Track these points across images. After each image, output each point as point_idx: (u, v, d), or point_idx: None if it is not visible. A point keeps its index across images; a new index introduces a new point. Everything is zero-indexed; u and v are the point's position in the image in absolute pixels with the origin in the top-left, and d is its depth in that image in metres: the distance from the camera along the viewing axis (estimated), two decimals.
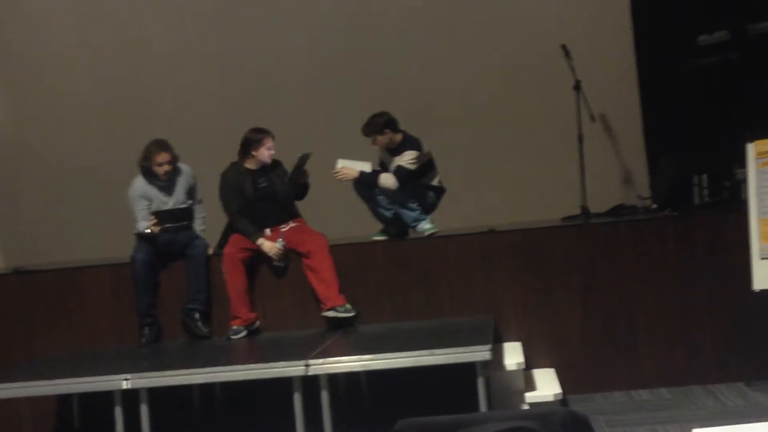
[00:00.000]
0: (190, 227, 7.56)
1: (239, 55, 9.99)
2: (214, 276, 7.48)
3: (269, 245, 7.38)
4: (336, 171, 7.64)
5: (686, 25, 9.27)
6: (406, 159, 7.59)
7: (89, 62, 10.18)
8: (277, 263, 7.45)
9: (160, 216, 7.38)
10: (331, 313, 7.28)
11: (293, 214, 7.62)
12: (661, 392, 7.09)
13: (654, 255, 7.33)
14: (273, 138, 7.54)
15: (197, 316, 7.40)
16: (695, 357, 7.23)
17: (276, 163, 7.60)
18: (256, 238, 7.39)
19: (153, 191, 7.46)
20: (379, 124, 7.68)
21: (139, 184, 7.49)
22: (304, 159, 7.44)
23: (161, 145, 7.44)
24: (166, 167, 7.42)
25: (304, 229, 7.52)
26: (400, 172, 7.57)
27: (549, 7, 9.73)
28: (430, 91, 9.72)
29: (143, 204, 7.42)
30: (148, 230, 7.33)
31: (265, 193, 7.50)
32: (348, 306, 7.27)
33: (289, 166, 7.59)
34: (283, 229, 7.49)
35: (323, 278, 7.31)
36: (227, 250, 7.37)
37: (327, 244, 7.36)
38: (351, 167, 7.64)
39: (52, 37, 10.27)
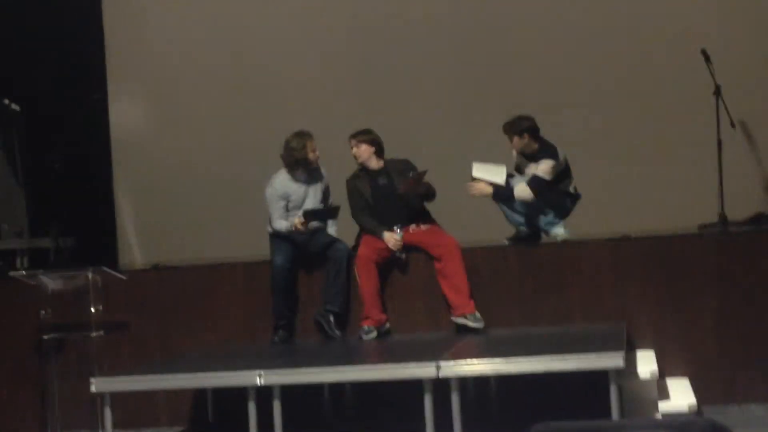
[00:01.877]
0: (324, 228, 7.65)
1: (369, 55, 10.09)
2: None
3: (388, 235, 7.42)
4: (470, 185, 7.61)
5: None
6: (543, 169, 7.52)
7: (223, 64, 10.41)
8: (398, 255, 7.46)
9: (309, 214, 7.46)
10: (460, 320, 7.28)
11: (423, 215, 7.61)
12: None
13: None
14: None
15: (332, 318, 7.47)
16: None
17: (402, 162, 7.62)
18: (381, 232, 7.43)
19: (294, 187, 7.56)
20: (522, 126, 7.63)
21: (281, 180, 7.58)
22: (418, 176, 7.41)
23: (308, 133, 7.55)
24: (318, 153, 7.53)
25: (436, 232, 7.52)
26: (537, 183, 7.50)
27: (690, 11, 9.55)
28: (566, 95, 9.63)
29: (281, 203, 7.52)
30: (293, 228, 7.40)
31: (385, 192, 7.52)
32: (477, 315, 7.24)
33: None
34: (413, 230, 7.50)
35: (454, 284, 7.30)
36: (361, 251, 7.43)
37: (459, 249, 7.35)
38: (485, 177, 7.59)
39: (188, 41, 10.53)
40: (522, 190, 7.53)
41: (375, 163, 7.58)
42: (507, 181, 7.60)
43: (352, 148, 7.58)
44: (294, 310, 7.63)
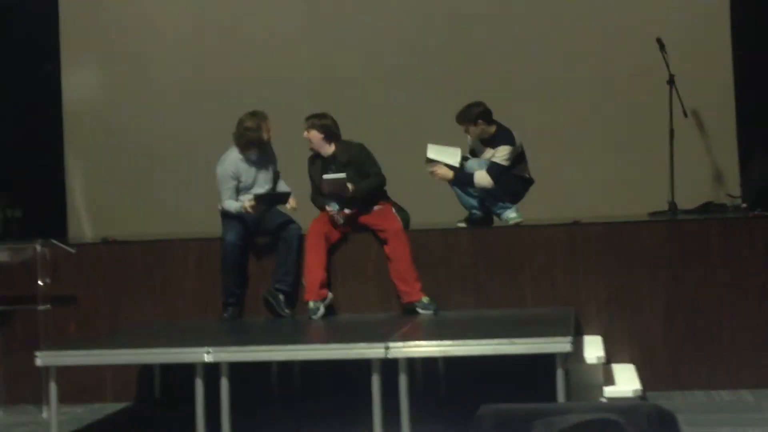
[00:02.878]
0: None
1: (329, 34, 10.07)
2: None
3: (329, 209, 7.39)
4: (432, 170, 7.62)
5: None
6: (501, 155, 7.55)
7: (182, 36, 10.34)
8: (339, 224, 7.40)
9: (260, 199, 7.42)
10: (410, 307, 7.29)
11: (375, 198, 7.59)
12: (743, 394, 6.97)
13: (742, 255, 7.21)
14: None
15: (282, 297, 7.46)
16: None
17: (356, 147, 7.52)
18: (326, 206, 7.40)
19: (245, 167, 7.52)
20: (474, 114, 7.64)
21: (233, 159, 7.53)
22: (335, 181, 7.33)
23: (263, 114, 7.51)
24: (271, 133, 7.51)
25: (385, 215, 7.49)
26: (495, 170, 7.53)
27: (645, 0, 9.61)
28: (520, 81, 9.69)
29: (232, 183, 7.48)
30: (242, 210, 7.37)
31: None
32: (425, 300, 7.26)
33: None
34: (365, 213, 7.48)
35: (398, 269, 7.30)
36: (312, 225, 7.42)
37: (403, 233, 7.34)
38: (440, 159, 7.61)
39: (144, 14, 10.44)
40: (482, 177, 7.55)
41: (325, 149, 7.49)
42: (462, 164, 7.63)
43: (305, 132, 7.51)
44: (244, 288, 7.61)
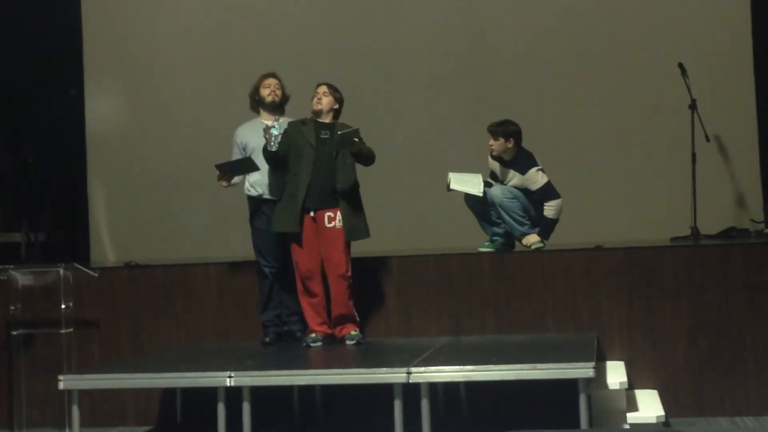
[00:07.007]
0: None
1: (353, 61, 10.07)
2: None
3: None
4: (525, 243, 7.63)
5: None
6: (538, 178, 7.59)
7: (204, 63, 10.40)
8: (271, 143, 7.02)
9: (221, 168, 7.31)
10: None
11: (349, 197, 7.14)
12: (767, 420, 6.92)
13: (765, 280, 7.15)
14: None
15: (298, 334, 7.39)
16: None
17: (349, 128, 7.16)
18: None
19: (252, 137, 7.34)
20: (510, 130, 7.67)
21: (242, 128, 7.46)
22: (350, 133, 7.02)
23: (268, 73, 7.48)
24: (274, 90, 7.41)
25: (336, 242, 7.09)
26: (547, 189, 7.61)
27: (667, 25, 9.62)
28: (542, 105, 9.68)
29: (235, 152, 7.44)
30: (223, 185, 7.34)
31: (324, 146, 7.10)
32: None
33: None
34: (329, 218, 7.11)
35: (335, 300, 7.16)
36: (302, 266, 7.17)
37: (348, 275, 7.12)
38: (462, 189, 7.59)
39: (166, 38, 10.52)
40: (551, 207, 7.59)
41: (325, 117, 7.22)
42: (485, 192, 7.62)
43: (317, 95, 7.23)
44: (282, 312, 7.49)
